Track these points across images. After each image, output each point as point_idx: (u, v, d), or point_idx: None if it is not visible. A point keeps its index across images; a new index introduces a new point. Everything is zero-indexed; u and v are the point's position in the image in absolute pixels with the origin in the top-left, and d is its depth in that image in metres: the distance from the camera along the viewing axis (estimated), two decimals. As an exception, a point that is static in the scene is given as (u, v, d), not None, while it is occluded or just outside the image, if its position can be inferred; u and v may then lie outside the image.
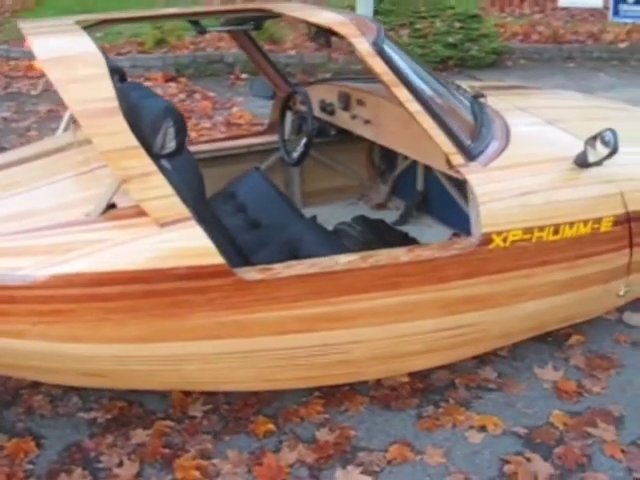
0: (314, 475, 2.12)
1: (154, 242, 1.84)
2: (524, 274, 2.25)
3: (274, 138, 3.31)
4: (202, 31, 2.63)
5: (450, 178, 3.09)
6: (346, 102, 2.88)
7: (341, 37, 2.15)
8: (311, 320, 2.03)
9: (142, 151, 1.80)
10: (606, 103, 3.44)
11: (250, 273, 1.94)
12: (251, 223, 2.77)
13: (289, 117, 3.22)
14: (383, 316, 2.11)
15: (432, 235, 3.15)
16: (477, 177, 2.18)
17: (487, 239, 2.15)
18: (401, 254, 2.11)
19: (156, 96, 2.16)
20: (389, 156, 3.59)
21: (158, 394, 2.42)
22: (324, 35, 2.44)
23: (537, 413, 2.37)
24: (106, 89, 1.78)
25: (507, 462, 2.16)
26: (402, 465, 2.15)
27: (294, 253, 2.35)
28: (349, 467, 2.13)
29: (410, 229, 3.25)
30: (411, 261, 2.08)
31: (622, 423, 2.33)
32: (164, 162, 1.91)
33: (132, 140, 1.79)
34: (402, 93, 2.09)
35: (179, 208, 1.86)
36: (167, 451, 2.21)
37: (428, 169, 3.31)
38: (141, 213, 1.87)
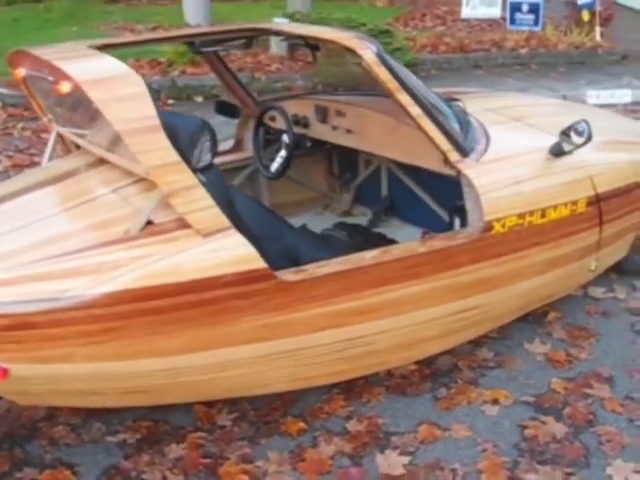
0: (356, 462, 2.23)
1: (200, 252, 1.91)
2: (519, 256, 2.48)
3: (241, 156, 3.41)
4: (198, 52, 2.70)
5: (416, 180, 3.32)
6: (324, 114, 3.03)
7: (348, 49, 2.30)
8: (344, 315, 2.16)
9: (184, 166, 1.88)
10: (551, 101, 3.79)
11: (288, 275, 2.04)
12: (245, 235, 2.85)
13: (261, 133, 3.32)
14: (405, 305, 2.27)
15: (404, 235, 3.34)
16: (473, 171, 2.39)
17: (489, 226, 2.36)
18: (416, 246, 2.28)
19: (183, 115, 2.23)
20: (348, 166, 3.77)
21: (181, 410, 2.45)
22: (309, 52, 2.59)
23: (538, 383, 2.60)
24: (148, 108, 1.84)
25: (526, 427, 2.36)
26: (434, 443, 2.30)
27: (294, 260, 2.45)
28: (386, 451, 2.26)
29: (383, 231, 3.43)
30: (427, 251, 2.25)
31: (613, 382, 2.59)
32: (199, 175, 1.98)
33: (174, 155, 1.86)
34: (404, 98, 2.27)
35: (220, 218, 1.94)
36: (207, 461, 2.25)
37: (391, 175, 3.52)
38: (180, 226, 1.94)
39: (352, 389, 2.55)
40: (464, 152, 2.41)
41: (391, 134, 2.69)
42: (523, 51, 7.86)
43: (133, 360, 1.94)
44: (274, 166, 3.09)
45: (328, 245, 2.83)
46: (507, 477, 2.15)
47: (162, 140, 1.84)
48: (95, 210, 2.08)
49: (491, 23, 8.81)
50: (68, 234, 1.99)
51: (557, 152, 2.57)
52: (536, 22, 8.15)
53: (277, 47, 7.41)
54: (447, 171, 2.47)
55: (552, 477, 2.13)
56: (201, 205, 1.91)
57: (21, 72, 2.44)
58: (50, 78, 2.11)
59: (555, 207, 2.52)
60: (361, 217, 3.78)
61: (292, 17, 7.62)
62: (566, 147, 2.54)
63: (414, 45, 8.34)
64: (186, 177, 1.88)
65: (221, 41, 2.73)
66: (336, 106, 2.99)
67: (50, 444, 2.36)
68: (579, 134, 2.49)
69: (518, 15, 8.18)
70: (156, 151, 1.84)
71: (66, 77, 1.92)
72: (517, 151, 2.60)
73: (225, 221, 1.95)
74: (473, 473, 2.17)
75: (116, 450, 2.32)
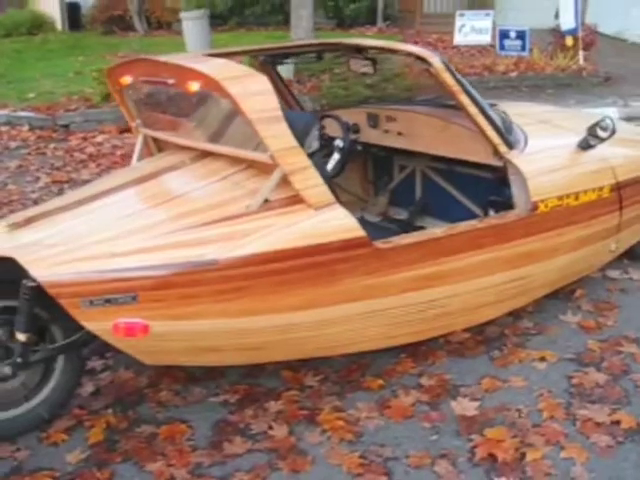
0: (434, 408, 2.59)
1: (313, 223, 2.29)
2: (558, 233, 2.90)
3: None
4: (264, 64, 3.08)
5: (449, 182, 3.73)
6: (375, 120, 3.45)
7: (421, 59, 2.73)
8: (423, 279, 2.55)
9: (301, 150, 2.26)
10: (560, 109, 4.27)
11: (380, 244, 2.43)
12: None
13: None
14: (470, 272, 2.67)
15: None
16: (519, 160, 2.82)
17: (535, 206, 2.78)
18: (476, 223, 2.68)
19: (297, 111, 2.57)
20: (383, 172, 4.18)
21: (270, 375, 2.80)
22: (370, 64, 3.02)
23: (576, 344, 3.00)
24: (273, 101, 2.23)
25: (572, 377, 2.75)
26: (496, 391, 2.68)
27: None
28: (458, 398, 2.63)
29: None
30: (485, 226, 2.66)
31: (638, 342, 3.00)
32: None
33: (294, 141, 2.25)
34: (465, 99, 2.70)
35: (328, 194, 2.33)
36: (304, 412, 2.59)
37: (425, 178, 3.94)
38: (294, 202, 2.32)
39: (417, 353, 2.92)
40: (510, 145, 2.84)
41: (441, 134, 3.11)
42: (513, 74, 8.44)
43: (256, 316, 2.30)
44: (329, 167, 3.48)
45: (385, 230, 3.22)
46: (564, 413, 2.53)
47: (285, 128, 2.23)
48: (212, 192, 2.45)
49: (480, 49, 9.42)
50: (195, 211, 2.35)
51: (585, 146, 3.01)
52: (523, 47, 8.78)
53: (286, 72, 7.87)
54: (495, 162, 2.89)
55: (601, 412, 2.52)
56: (314, 183, 2.30)
57: (126, 80, 2.80)
58: (171, 81, 2.48)
59: (585, 192, 2.95)
60: (396, 217, 4.18)
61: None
62: (592, 141, 2.99)
63: (411, 71, 8.89)
64: (303, 159, 2.27)
65: (300, 54, 3.14)
66: (386, 112, 3.41)
67: (159, 406, 2.68)
68: (604, 129, 2.93)
69: (507, 41, 8.80)
70: (281, 137, 2.23)
71: (202, 77, 2.30)
72: (551, 145, 3.05)
73: (332, 197, 2.33)
74: (535, 412, 2.55)
75: (220, 408, 2.65)
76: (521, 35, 8.83)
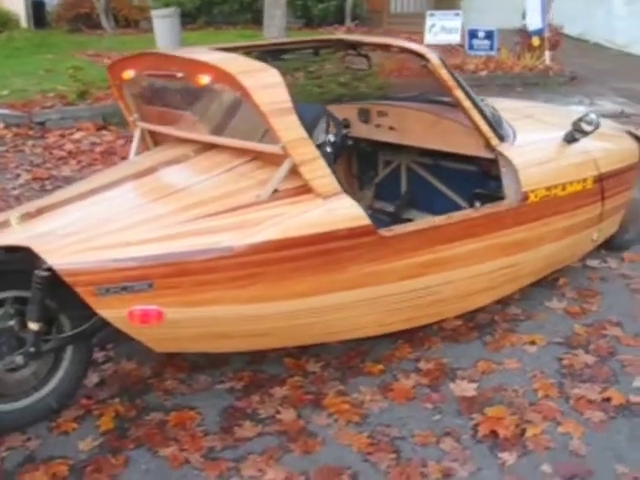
0: (434, 390, 2.70)
1: (321, 212, 2.38)
2: (546, 222, 3.04)
3: None
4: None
5: (436, 174, 3.85)
6: (366, 115, 3.54)
7: (419, 55, 2.83)
8: (421, 266, 2.66)
9: (311, 141, 2.34)
10: (539, 104, 4.43)
11: (383, 231, 2.52)
12: None
13: None
14: (464, 260, 2.79)
15: None
16: (510, 153, 2.94)
17: (525, 196, 2.91)
18: (471, 212, 2.80)
19: (305, 103, 2.66)
20: (367, 167, 4.28)
21: (273, 362, 2.87)
22: (364, 61, 3.12)
23: (563, 329, 3.14)
24: (284, 93, 2.30)
25: (562, 359, 2.89)
26: (492, 373, 2.80)
27: None
28: (457, 381, 2.74)
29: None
30: (479, 216, 2.78)
31: (622, 325, 3.16)
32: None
33: (304, 133, 2.32)
34: (460, 93, 2.82)
35: (335, 184, 2.41)
36: (310, 397, 2.67)
37: (410, 172, 4.05)
38: (302, 192, 2.40)
39: (413, 340, 3.03)
40: (502, 138, 2.97)
41: (432, 128, 3.23)
42: (483, 74, 8.65)
43: (266, 303, 2.37)
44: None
45: (378, 222, 3.31)
46: (558, 392, 2.66)
47: (296, 120, 2.31)
48: (220, 183, 2.51)
49: (450, 49, 9.61)
50: (206, 200, 2.41)
51: (570, 139, 3.16)
52: (491, 47, 9.00)
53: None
54: (486, 154, 3.01)
55: (592, 390, 2.66)
56: (322, 173, 2.38)
57: (129, 74, 2.83)
58: (180, 74, 2.53)
59: (571, 183, 3.10)
60: (382, 210, 4.29)
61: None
62: (577, 135, 3.13)
63: (383, 70, 9.03)
64: (312, 150, 2.35)
65: (297, 50, 3.22)
66: (378, 108, 3.51)
67: (165, 394, 2.72)
68: (588, 124, 3.08)
69: (475, 41, 9.02)
70: (292, 129, 2.30)
71: (215, 70, 2.35)
72: (539, 139, 3.19)
73: (338, 186, 2.42)
74: (530, 391, 2.67)
75: (227, 395, 2.71)
76: (489, 35, 9.05)
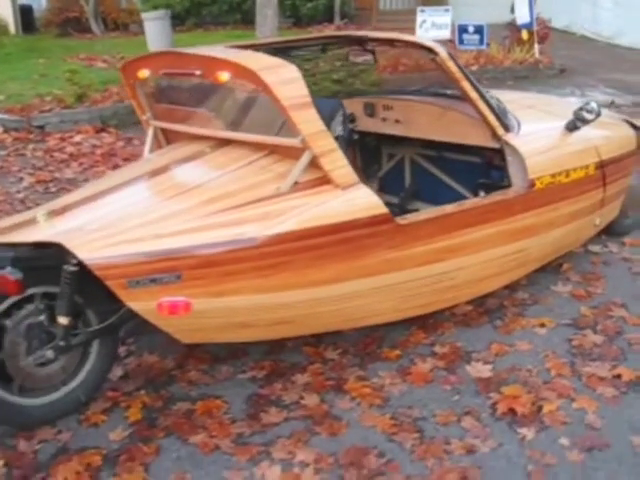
0: (451, 372, 2.79)
1: (341, 201, 2.46)
2: (552, 208, 3.14)
3: None
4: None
5: (439, 166, 3.94)
6: (372, 109, 3.62)
7: (428, 49, 2.91)
8: (437, 252, 2.75)
9: (329, 133, 2.42)
10: (539, 95, 4.54)
11: (399, 219, 2.61)
12: None
13: None
14: (477, 245, 2.88)
15: None
16: (516, 142, 3.04)
17: (532, 183, 3.00)
18: (481, 199, 2.89)
19: (323, 98, 2.73)
20: (371, 160, 4.36)
21: (292, 352, 2.95)
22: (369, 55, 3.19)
23: (570, 311, 3.25)
24: (303, 88, 2.38)
25: (571, 340, 2.99)
26: (506, 355, 2.90)
27: None
28: (472, 363, 2.84)
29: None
30: (489, 203, 2.87)
31: (627, 307, 3.27)
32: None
33: (323, 125, 2.40)
34: (467, 85, 2.91)
35: (353, 175, 2.49)
36: (331, 382, 2.75)
37: (414, 165, 4.14)
38: (321, 183, 2.48)
39: (426, 325, 3.12)
40: (507, 128, 3.06)
41: (438, 120, 3.31)
42: (474, 68, 8.75)
43: (289, 291, 2.45)
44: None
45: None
46: (570, 371, 2.76)
47: (315, 113, 2.38)
48: (240, 177, 2.58)
49: (440, 44, 9.69)
50: (228, 194, 2.48)
51: (572, 128, 3.26)
52: (481, 42, 9.11)
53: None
54: (492, 144, 3.10)
55: (603, 368, 2.76)
56: (341, 164, 2.46)
57: (144, 73, 2.89)
58: (198, 72, 2.60)
59: (575, 169, 3.20)
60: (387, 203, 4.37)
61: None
62: (579, 123, 3.23)
63: (377, 66, 9.11)
64: (331, 142, 2.43)
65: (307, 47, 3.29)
66: (383, 101, 3.59)
67: (190, 385, 2.79)
68: (590, 112, 3.18)
69: (465, 36, 9.13)
70: (312, 122, 2.38)
71: (236, 67, 2.42)
72: (542, 128, 3.29)
73: (356, 177, 2.50)
74: (544, 371, 2.77)
75: (250, 384, 2.78)
76: (479, 30, 9.16)
